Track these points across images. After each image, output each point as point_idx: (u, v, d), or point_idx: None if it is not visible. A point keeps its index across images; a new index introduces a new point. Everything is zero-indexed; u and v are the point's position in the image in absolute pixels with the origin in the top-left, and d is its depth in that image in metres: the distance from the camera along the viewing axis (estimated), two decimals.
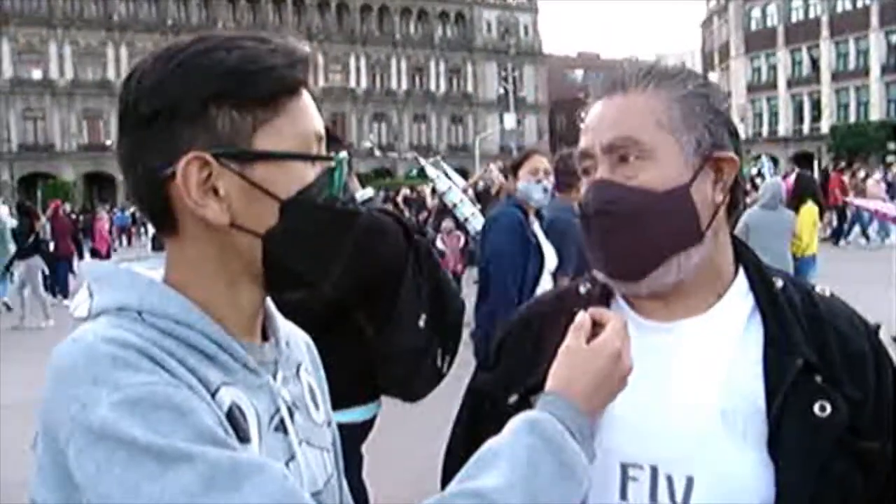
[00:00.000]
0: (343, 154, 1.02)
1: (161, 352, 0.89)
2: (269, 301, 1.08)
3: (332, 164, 1.01)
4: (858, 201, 14.94)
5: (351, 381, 2.71)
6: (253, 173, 0.94)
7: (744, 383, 1.10)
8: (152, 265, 1.03)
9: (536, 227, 4.33)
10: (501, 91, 62.68)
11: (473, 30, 68.60)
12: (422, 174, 11.34)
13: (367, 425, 3.07)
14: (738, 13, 59.73)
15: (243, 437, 0.92)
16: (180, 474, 0.81)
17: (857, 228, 19.37)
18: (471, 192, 10.02)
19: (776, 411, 1.07)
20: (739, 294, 1.17)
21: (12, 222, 13.74)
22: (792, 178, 10.99)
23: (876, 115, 51.96)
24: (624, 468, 1.12)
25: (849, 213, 19.67)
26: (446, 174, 11.72)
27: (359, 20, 64.06)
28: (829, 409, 1.07)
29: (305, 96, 0.99)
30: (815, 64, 55.98)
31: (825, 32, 54.75)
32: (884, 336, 1.21)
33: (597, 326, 1.07)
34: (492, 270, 4.31)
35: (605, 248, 1.13)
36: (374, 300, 2.91)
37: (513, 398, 1.15)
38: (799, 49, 56.77)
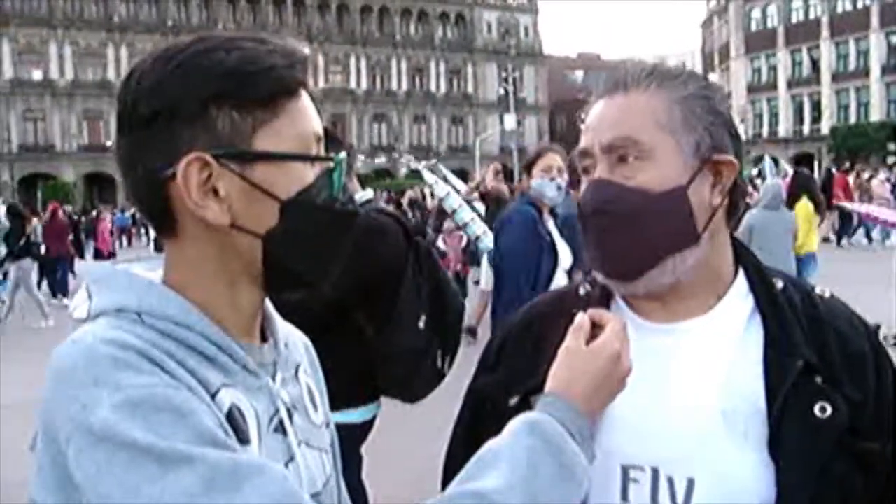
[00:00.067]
0: (342, 155, 1.02)
1: (161, 353, 0.89)
2: (267, 302, 1.08)
3: (332, 164, 1.01)
4: (850, 205, 14.94)
5: (350, 382, 2.71)
6: (253, 174, 0.94)
7: (744, 384, 1.10)
8: (151, 266, 1.03)
9: (551, 224, 4.31)
10: (502, 92, 62.65)
11: (474, 31, 68.63)
12: (419, 175, 11.34)
13: (366, 426, 3.07)
14: (738, 14, 59.75)
15: (243, 439, 0.92)
16: (180, 476, 0.81)
17: (861, 229, 19.35)
18: (476, 193, 9.98)
19: (776, 412, 1.07)
20: (739, 295, 1.17)
21: (5, 224, 13.74)
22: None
23: (876, 115, 51.98)
24: (625, 470, 1.12)
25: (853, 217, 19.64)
26: (444, 178, 11.72)
27: (359, 21, 64.08)
28: (829, 410, 1.07)
29: (305, 97, 0.99)
30: (815, 65, 56.01)
31: (825, 33, 54.79)
32: (883, 336, 1.21)
33: (596, 328, 1.07)
34: (504, 269, 4.31)
35: (601, 248, 1.14)
36: (373, 300, 2.91)
37: (513, 400, 1.15)
38: (799, 50, 56.80)
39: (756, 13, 59.45)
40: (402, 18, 66.08)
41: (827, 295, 1.22)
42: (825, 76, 55.17)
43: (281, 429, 1.01)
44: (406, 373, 2.97)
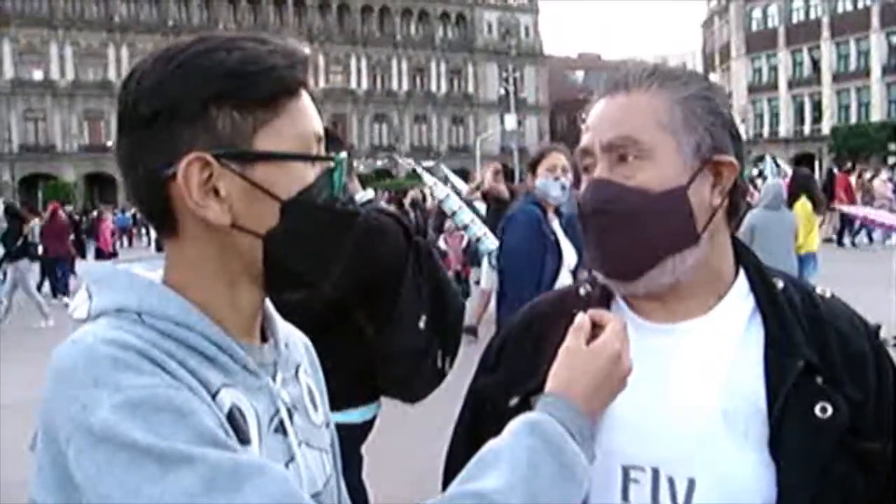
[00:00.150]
0: (343, 154, 1.02)
1: (161, 353, 0.89)
2: (267, 302, 1.08)
3: (332, 164, 1.01)
4: (849, 209, 14.94)
5: (351, 382, 2.70)
6: (254, 174, 0.94)
7: (745, 384, 1.10)
8: (151, 266, 1.03)
9: (556, 224, 4.31)
10: (502, 92, 62.65)
11: (474, 31, 68.64)
12: (417, 176, 11.33)
13: (366, 426, 3.07)
14: (738, 14, 59.76)
15: (243, 439, 0.92)
16: (181, 476, 0.81)
17: (864, 229, 19.33)
18: (478, 193, 9.98)
19: (777, 412, 1.07)
20: (740, 295, 1.17)
21: (2, 225, 13.74)
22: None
23: (877, 116, 51.98)
24: (625, 470, 1.12)
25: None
26: (446, 177, 11.71)
27: (360, 21, 64.09)
28: (829, 410, 1.07)
29: (305, 97, 0.99)
30: (816, 65, 56.01)
31: (826, 33, 54.79)
32: (884, 336, 1.21)
33: (597, 328, 1.07)
34: (508, 269, 4.30)
35: (601, 247, 1.14)
36: (374, 301, 2.90)
37: (513, 400, 1.15)
38: (800, 50, 56.81)
39: (757, 13, 59.46)
40: (402, 18, 66.09)
41: (828, 295, 1.22)
42: (826, 76, 55.17)
43: (281, 429, 1.01)
44: (406, 373, 2.97)
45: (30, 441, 0.90)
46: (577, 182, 4.55)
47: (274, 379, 1.04)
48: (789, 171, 13.94)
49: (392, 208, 3.32)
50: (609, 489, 1.12)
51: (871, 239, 19.13)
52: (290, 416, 1.03)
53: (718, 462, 1.08)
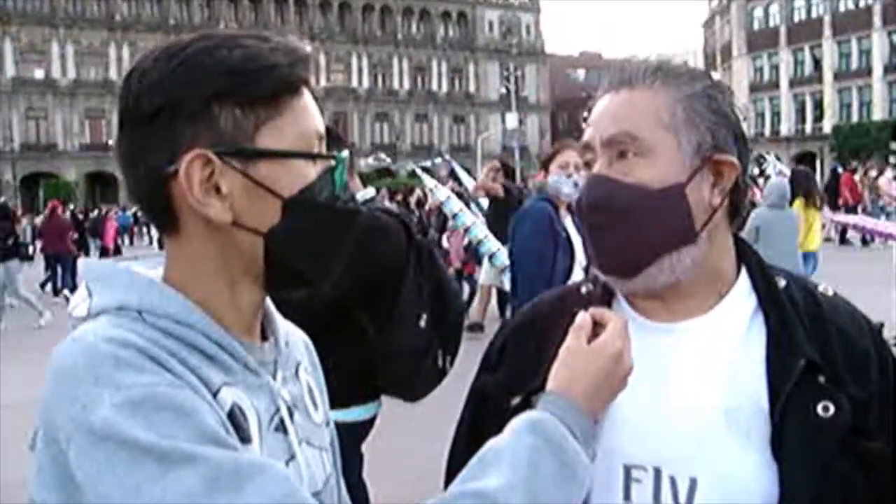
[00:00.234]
0: (344, 153, 1.02)
1: (162, 352, 0.88)
2: (268, 301, 1.07)
3: (334, 162, 1.00)
4: (839, 217, 14.96)
5: (351, 381, 2.70)
6: (255, 171, 0.94)
7: (746, 383, 1.10)
8: (151, 264, 1.03)
9: (568, 221, 4.30)
10: (503, 91, 62.67)
11: (475, 29, 68.64)
12: (414, 176, 11.33)
13: (367, 425, 3.07)
14: (740, 13, 59.74)
15: (244, 438, 0.92)
16: (182, 476, 0.80)
17: None
18: (482, 192, 9.98)
19: (779, 412, 1.07)
20: (741, 294, 1.17)
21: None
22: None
23: (878, 114, 51.92)
24: (627, 470, 1.12)
25: (861, 214, 19.60)
26: (453, 170, 11.68)
27: (361, 20, 64.10)
28: (832, 409, 1.06)
29: (307, 95, 0.99)
30: (817, 64, 55.97)
31: (828, 32, 54.75)
32: (885, 336, 1.20)
33: (598, 327, 1.07)
34: (519, 266, 4.30)
35: (598, 243, 1.14)
36: (375, 300, 2.90)
37: (515, 400, 1.15)
38: (801, 49, 56.76)
39: (758, 12, 59.42)
40: (403, 17, 66.10)
41: (830, 293, 1.21)
42: (827, 75, 55.12)
43: (282, 427, 1.00)
44: (407, 372, 2.97)
45: (30, 441, 0.90)
46: None
47: (274, 377, 1.04)
48: (787, 170, 13.94)
49: (391, 206, 3.31)
50: (611, 489, 1.11)
51: (872, 238, 19.10)
52: (291, 415, 1.03)
53: (720, 461, 1.07)
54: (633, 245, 1.10)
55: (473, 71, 68.65)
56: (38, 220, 15.58)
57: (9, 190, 49.61)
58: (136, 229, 38.26)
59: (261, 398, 0.98)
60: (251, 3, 59.69)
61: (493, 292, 10.28)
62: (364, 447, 3.13)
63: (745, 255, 1.20)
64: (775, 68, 58.44)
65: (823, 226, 11.64)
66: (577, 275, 4.21)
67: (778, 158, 14.71)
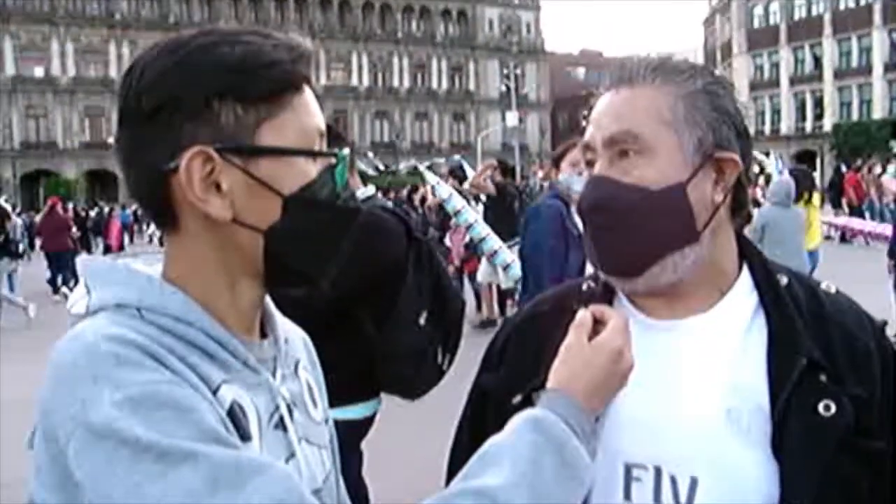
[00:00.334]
0: (345, 150, 1.02)
1: (162, 349, 0.88)
2: (267, 298, 1.07)
3: (334, 160, 1.00)
4: (833, 220, 14.96)
5: (350, 379, 2.69)
6: (256, 169, 0.94)
7: (747, 382, 1.09)
8: (150, 261, 1.02)
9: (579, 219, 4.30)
10: (503, 89, 62.54)
11: (475, 27, 68.59)
12: (418, 173, 11.28)
13: (367, 422, 3.07)
14: (740, 11, 59.71)
15: (244, 436, 0.92)
16: (183, 474, 0.80)
17: None
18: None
19: (780, 411, 1.06)
20: (743, 292, 1.16)
21: (18, 222, 13.64)
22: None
23: (878, 113, 51.91)
24: (627, 468, 1.11)
25: (866, 213, 19.58)
26: (461, 166, 11.65)
27: (361, 18, 64.05)
28: (833, 408, 1.06)
29: (308, 92, 0.99)
30: (817, 62, 55.95)
31: (828, 30, 54.73)
32: (889, 334, 1.19)
33: (598, 324, 1.06)
34: (530, 263, 4.30)
35: (600, 244, 1.13)
36: (374, 297, 2.90)
37: (517, 398, 1.14)
38: (801, 47, 56.75)
39: (758, 10, 59.40)
40: (403, 15, 66.05)
41: (832, 291, 1.20)
42: (827, 73, 55.11)
43: (281, 425, 1.00)
44: (406, 370, 2.97)
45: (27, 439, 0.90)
46: None
47: (274, 375, 1.03)
48: (785, 170, 13.95)
49: (389, 204, 3.31)
50: (611, 488, 1.11)
51: (866, 241, 19.07)
52: (290, 413, 1.02)
53: (721, 460, 1.07)
54: (635, 245, 1.10)
55: (473, 69, 68.60)
56: (38, 217, 15.54)
57: (9, 188, 49.63)
58: (136, 227, 38.29)
59: (260, 396, 0.98)
60: (251, 1, 59.65)
61: (494, 289, 10.31)
62: (364, 445, 3.12)
63: (747, 253, 1.19)
64: (775, 66, 58.42)
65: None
66: (590, 271, 4.20)
67: (771, 157, 14.65)
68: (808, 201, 8.86)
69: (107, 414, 0.81)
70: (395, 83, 66.11)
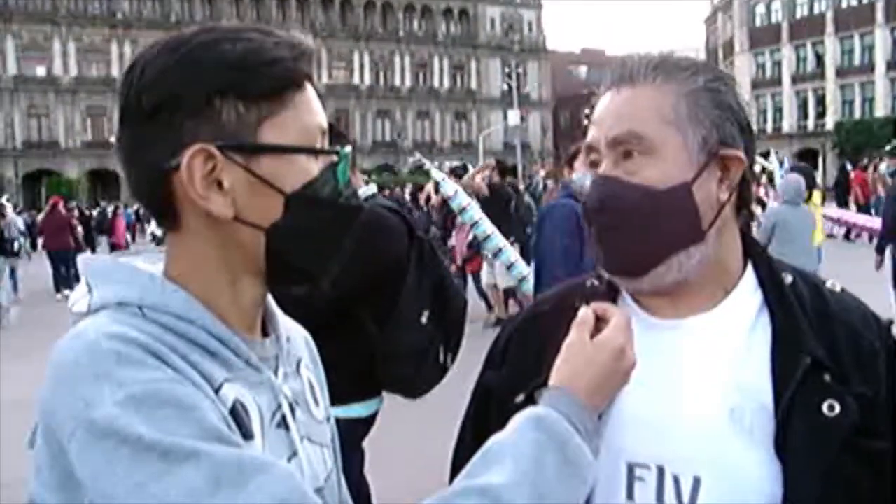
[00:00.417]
0: (347, 148, 1.01)
1: (164, 347, 0.88)
2: (269, 297, 1.07)
3: (336, 158, 1.00)
4: (835, 212, 14.94)
5: (352, 377, 2.70)
6: (258, 166, 0.93)
7: (751, 381, 1.09)
8: (151, 259, 1.02)
9: None
10: (505, 87, 62.56)
11: (477, 26, 68.56)
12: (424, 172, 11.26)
13: (368, 421, 3.06)
14: (742, 9, 59.65)
15: (246, 434, 0.91)
16: (185, 473, 0.80)
17: None
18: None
19: (784, 410, 1.06)
20: (748, 290, 1.15)
21: (18, 221, 13.63)
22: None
23: (881, 111, 51.84)
24: (630, 468, 1.11)
25: (872, 210, 19.54)
26: (465, 166, 11.67)
27: (362, 17, 64.05)
28: (837, 408, 1.05)
29: (309, 90, 0.98)
30: (819, 60, 55.88)
31: (830, 28, 54.66)
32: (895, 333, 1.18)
33: (600, 322, 1.06)
34: (543, 261, 4.31)
35: (605, 245, 1.12)
36: (376, 296, 2.89)
37: (519, 397, 1.14)
38: (804, 45, 56.68)
39: (760, 8, 59.35)
40: (405, 14, 66.04)
41: (838, 289, 1.19)
42: (830, 71, 55.04)
43: (283, 424, 1.00)
44: (408, 369, 2.96)
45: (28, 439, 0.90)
46: None
47: (276, 374, 1.03)
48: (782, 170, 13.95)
49: (390, 202, 3.31)
50: (614, 487, 1.11)
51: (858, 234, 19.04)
52: (293, 412, 1.02)
53: (724, 460, 1.06)
54: (640, 245, 1.09)
55: (475, 68, 68.58)
56: (40, 217, 15.53)
57: (11, 187, 49.70)
58: (138, 226, 38.35)
59: (262, 394, 0.98)
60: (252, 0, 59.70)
61: (500, 290, 10.35)
62: (366, 444, 3.12)
63: (752, 251, 1.19)
64: (777, 65, 58.37)
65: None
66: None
67: (767, 155, 14.62)
68: (809, 199, 8.85)
69: (108, 413, 0.81)
70: (397, 82, 66.10)
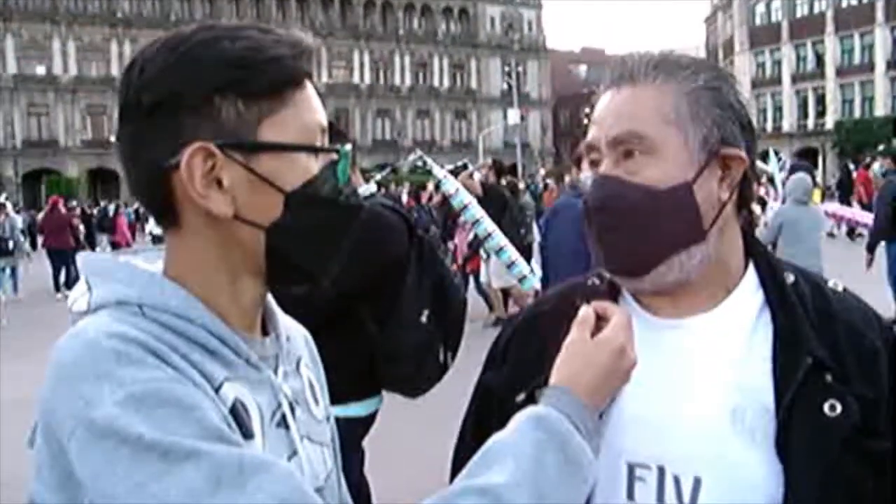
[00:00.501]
0: (347, 147, 1.01)
1: (164, 347, 0.87)
2: (268, 296, 1.07)
3: (336, 156, 0.99)
4: (833, 208, 14.95)
5: (352, 377, 2.70)
6: (258, 165, 0.93)
7: (752, 381, 1.08)
8: (151, 258, 1.02)
9: None
10: (505, 86, 62.56)
11: (477, 25, 68.56)
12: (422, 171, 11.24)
13: (368, 420, 3.06)
14: (742, 8, 59.65)
15: (246, 433, 0.91)
16: (186, 473, 0.79)
17: None
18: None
19: (784, 410, 1.05)
20: (749, 290, 1.15)
21: (18, 220, 13.62)
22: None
23: (881, 110, 51.83)
24: (631, 468, 1.10)
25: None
26: (466, 164, 11.66)
27: (362, 16, 64.05)
28: (839, 408, 1.05)
29: (309, 88, 0.98)
30: (819, 59, 55.89)
31: (830, 27, 54.65)
32: None
33: (601, 321, 1.05)
34: (550, 261, 4.31)
35: (605, 245, 1.12)
36: (376, 295, 2.89)
37: (520, 396, 1.13)
38: (804, 44, 56.68)
39: (760, 7, 59.35)
40: (405, 13, 66.03)
41: (840, 289, 1.19)
42: (830, 71, 55.04)
43: (283, 423, 1.00)
44: (408, 370, 2.96)
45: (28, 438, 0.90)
46: None
47: (275, 373, 1.03)
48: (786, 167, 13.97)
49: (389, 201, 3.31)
50: (614, 488, 1.10)
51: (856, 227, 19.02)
52: (293, 411, 1.02)
53: (724, 460, 1.06)
54: (642, 245, 1.09)
55: (475, 67, 68.58)
56: (40, 216, 15.50)
57: (11, 186, 49.68)
58: (137, 225, 38.35)
59: (262, 393, 0.97)
60: None
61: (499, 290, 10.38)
62: (366, 443, 3.12)
63: (753, 250, 1.18)
64: (777, 64, 58.36)
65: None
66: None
67: (771, 156, 14.61)
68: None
69: (108, 412, 0.80)
70: (397, 81, 66.10)
